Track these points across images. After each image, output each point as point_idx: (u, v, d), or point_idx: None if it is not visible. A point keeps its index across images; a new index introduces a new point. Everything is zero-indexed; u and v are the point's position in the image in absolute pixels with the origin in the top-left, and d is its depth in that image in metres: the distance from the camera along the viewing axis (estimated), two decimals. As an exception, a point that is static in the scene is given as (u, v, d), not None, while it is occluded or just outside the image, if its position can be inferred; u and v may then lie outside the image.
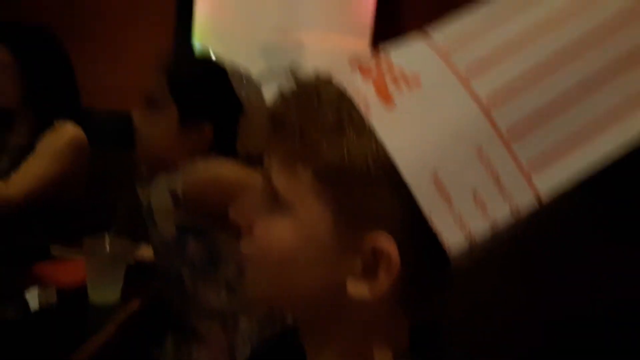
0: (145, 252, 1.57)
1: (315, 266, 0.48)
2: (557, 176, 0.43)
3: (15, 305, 1.13)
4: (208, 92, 1.22)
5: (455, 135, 0.43)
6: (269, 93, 1.15)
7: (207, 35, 2.25)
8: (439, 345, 0.56)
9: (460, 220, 0.43)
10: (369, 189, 0.44)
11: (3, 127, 1.69)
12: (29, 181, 1.54)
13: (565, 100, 0.43)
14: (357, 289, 0.47)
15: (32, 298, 1.16)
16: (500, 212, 0.43)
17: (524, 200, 0.43)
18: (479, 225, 0.43)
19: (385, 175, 0.44)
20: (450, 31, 0.47)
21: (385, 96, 0.44)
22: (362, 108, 0.44)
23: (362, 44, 2.21)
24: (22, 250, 1.51)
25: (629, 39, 0.44)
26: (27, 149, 1.61)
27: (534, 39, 0.44)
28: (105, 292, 1.26)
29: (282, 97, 0.49)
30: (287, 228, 0.48)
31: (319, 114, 0.46)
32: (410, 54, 0.47)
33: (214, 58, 1.35)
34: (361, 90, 0.45)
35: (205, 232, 1.19)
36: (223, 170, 1.16)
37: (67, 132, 1.63)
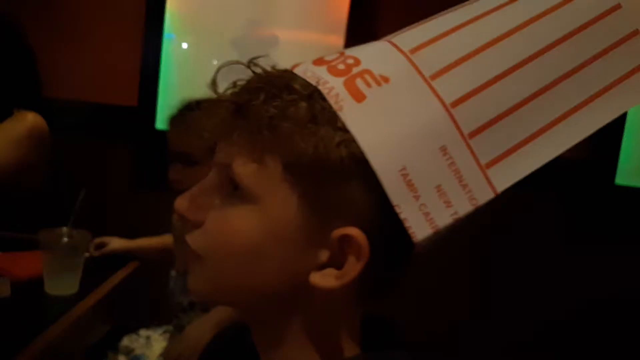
0: (116, 243, 1.55)
1: (278, 259, 0.47)
2: (510, 170, 0.47)
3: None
4: None
5: (421, 132, 0.45)
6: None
7: (178, 27, 2.22)
8: (392, 338, 0.55)
9: (426, 211, 0.45)
10: (341, 181, 0.45)
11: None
12: None
13: (519, 99, 0.47)
14: (323, 279, 0.46)
15: (-15, 290, 1.12)
16: (461, 204, 0.46)
17: (482, 193, 0.46)
18: (442, 217, 0.46)
19: (357, 168, 0.44)
20: (412, 34, 0.50)
21: (355, 92, 0.45)
22: (333, 103, 0.45)
23: (336, 40, 2.19)
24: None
25: (579, 49, 0.50)
26: None
27: (491, 44, 0.48)
28: (63, 284, 1.22)
29: (247, 88, 0.48)
30: (249, 220, 0.47)
31: (290, 106, 0.45)
32: (377, 55, 0.49)
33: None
34: (332, 86, 0.46)
35: None
36: None
37: (27, 120, 1.62)
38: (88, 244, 1.31)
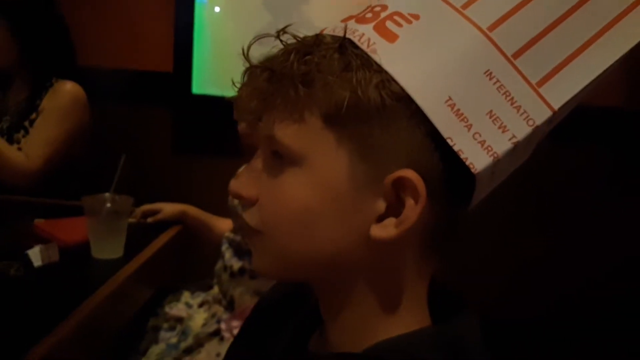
0: (169, 207, 1.57)
1: (336, 217, 0.46)
2: (563, 85, 0.45)
3: (18, 263, 1.13)
4: None
5: (462, 59, 0.43)
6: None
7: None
8: (462, 309, 0.52)
9: (481, 140, 0.43)
10: (385, 122, 0.43)
11: (2, 88, 1.72)
12: (45, 148, 1.61)
13: (557, 14, 0.46)
14: (383, 229, 0.45)
15: (35, 256, 1.15)
16: (518, 128, 0.44)
17: (538, 113, 0.45)
18: (500, 143, 0.44)
19: (400, 107, 0.43)
20: None
21: (386, 34, 0.44)
22: (365, 47, 0.44)
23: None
24: (24, 209, 1.53)
25: None
26: (27, 108, 1.64)
27: None
28: (108, 248, 1.25)
29: (278, 53, 0.47)
30: (300, 183, 0.46)
31: (322, 58, 0.45)
32: None
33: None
34: (361, 33, 0.45)
35: None
36: None
37: (68, 90, 1.65)
38: (130, 208, 1.33)
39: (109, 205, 1.24)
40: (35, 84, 1.69)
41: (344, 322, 0.51)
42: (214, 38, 2.20)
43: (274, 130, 0.47)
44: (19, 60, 1.66)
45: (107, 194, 1.26)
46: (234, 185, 0.51)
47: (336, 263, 0.48)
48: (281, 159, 0.47)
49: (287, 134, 0.46)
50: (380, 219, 0.45)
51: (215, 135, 2.08)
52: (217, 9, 2.22)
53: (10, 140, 1.66)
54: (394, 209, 0.45)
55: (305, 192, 0.46)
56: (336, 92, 0.43)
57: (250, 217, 0.50)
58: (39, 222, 1.37)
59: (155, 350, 1.35)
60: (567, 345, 2.16)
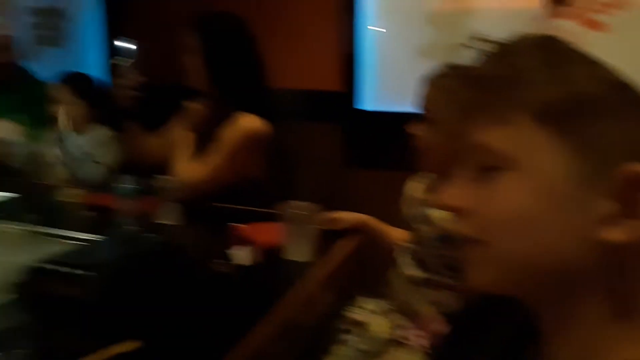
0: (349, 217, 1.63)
1: (557, 219, 0.43)
2: None
3: (224, 261, 1.26)
4: None
5: None
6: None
7: (374, 9, 2.27)
8: None
9: None
10: (605, 115, 0.41)
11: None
12: (207, 172, 1.75)
13: None
14: (618, 231, 0.41)
15: (238, 255, 1.27)
16: None
17: None
18: None
19: (621, 96, 0.41)
20: None
21: (593, 25, 0.42)
22: (571, 39, 0.43)
23: (532, 2, 2.08)
24: (226, 214, 1.68)
25: None
26: (210, 136, 1.79)
27: None
28: (299, 251, 1.35)
29: (477, 59, 0.46)
30: (517, 189, 0.44)
31: (527, 57, 0.43)
32: None
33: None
34: (565, 28, 0.44)
35: None
36: None
37: (243, 126, 1.74)
38: (317, 216, 1.42)
39: (302, 212, 1.35)
40: (222, 106, 1.80)
41: (570, 336, 0.47)
42: (379, 57, 2.27)
43: (481, 138, 0.45)
44: (210, 82, 1.79)
45: (300, 202, 1.37)
46: (445, 197, 0.49)
47: (562, 269, 0.45)
48: (491, 163, 0.46)
49: (496, 138, 0.44)
50: (607, 219, 0.42)
51: (384, 150, 2.15)
52: (381, 27, 2.29)
53: None
54: (624, 208, 0.41)
55: (523, 196, 0.44)
56: (545, 89, 0.42)
57: (468, 227, 0.48)
58: (240, 226, 1.49)
59: (338, 351, 1.40)
60: None
